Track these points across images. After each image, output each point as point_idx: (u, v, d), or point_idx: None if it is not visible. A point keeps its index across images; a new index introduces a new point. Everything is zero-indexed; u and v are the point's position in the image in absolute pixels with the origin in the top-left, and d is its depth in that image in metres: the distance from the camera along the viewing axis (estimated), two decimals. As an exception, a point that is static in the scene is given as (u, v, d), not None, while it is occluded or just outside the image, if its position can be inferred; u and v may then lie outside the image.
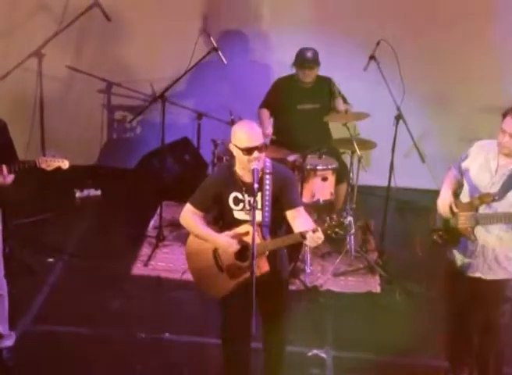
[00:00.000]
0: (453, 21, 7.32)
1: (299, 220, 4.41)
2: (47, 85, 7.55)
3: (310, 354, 5.34)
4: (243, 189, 4.41)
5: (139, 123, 7.63)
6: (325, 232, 4.21)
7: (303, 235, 4.24)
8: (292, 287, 5.96)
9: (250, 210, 4.35)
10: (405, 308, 5.89)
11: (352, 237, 6.33)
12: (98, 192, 7.43)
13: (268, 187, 4.40)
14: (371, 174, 6.55)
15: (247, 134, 4.34)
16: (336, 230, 4.33)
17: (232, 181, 4.45)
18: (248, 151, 4.32)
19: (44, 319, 5.56)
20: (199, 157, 7.33)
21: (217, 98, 7.39)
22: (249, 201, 4.40)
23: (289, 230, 4.50)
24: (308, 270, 6.21)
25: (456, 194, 4.58)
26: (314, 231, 4.19)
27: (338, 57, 7.08)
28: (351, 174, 6.46)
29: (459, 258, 4.58)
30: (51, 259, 6.29)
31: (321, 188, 6.26)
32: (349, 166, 6.46)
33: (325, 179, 6.29)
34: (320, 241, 4.23)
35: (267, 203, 4.39)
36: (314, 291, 6.04)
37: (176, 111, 6.97)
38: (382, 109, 6.48)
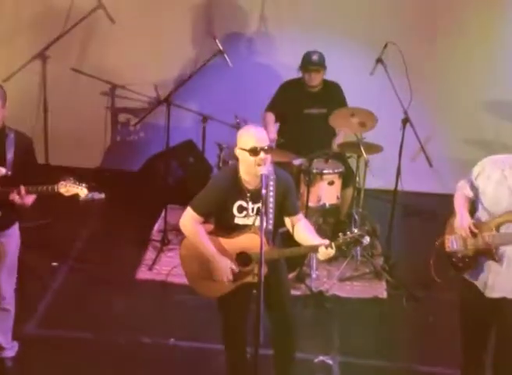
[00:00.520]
0: (461, 24, 7.27)
1: (301, 226, 4.42)
2: (51, 87, 7.50)
3: (316, 360, 5.29)
4: (248, 196, 4.39)
5: (143, 126, 7.57)
6: (338, 248, 4.25)
7: (315, 249, 4.27)
8: (297, 293, 5.96)
9: (253, 216, 4.33)
10: (412, 314, 5.84)
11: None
12: (102, 195, 7.36)
13: (272, 193, 4.37)
14: (376, 178, 6.51)
15: (253, 135, 4.35)
16: (351, 246, 4.32)
17: (236, 189, 4.42)
18: (254, 151, 4.30)
19: (48, 323, 5.53)
20: (203, 160, 7.28)
21: (221, 100, 7.34)
22: (252, 208, 4.39)
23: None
24: (314, 275, 6.16)
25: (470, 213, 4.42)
26: (326, 247, 4.23)
27: (344, 60, 7.02)
28: (357, 178, 6.42)
29: (481, 279, 4.38)
30: (55, 263, 6.24)
31: (327, 192, 6.22)
32: (355, 169, 6.42)
33: (331, 183, 6.25)
34: (331, 255, 4.27)
35: (271, 210, 4.36)
36: (319, 296, 5.98)
37: (180, 114, 6.91)
38: (388, 113, 6.44)
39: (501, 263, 4.31)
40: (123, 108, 7.87)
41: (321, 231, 6.07)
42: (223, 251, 4.48)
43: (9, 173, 4.50)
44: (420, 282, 6.09)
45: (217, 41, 6.49)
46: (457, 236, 4.41)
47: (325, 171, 6.23)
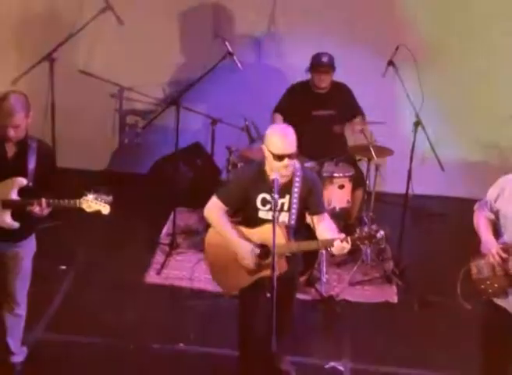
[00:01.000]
0: (473, 27, 7.22)
1: (324, 226, 4.47)
2: (59, 89, 7.46)
3: (327, 366, 5.24)
4: (272, 190, 4.37)
5: (151, 128, 7.50)
6: (353, 242, 4.28)
7: (330, 242, 4.31)
8: (307, 297, 5.92)
9: (277, 211, 4.36)
10: (424, 319, 5.78)
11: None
12: (110, 198, 7.31)
13: (296, 189, 4.46)
14: (386, 181, 6.46)
15: (280, 141, 4.39)
16: (366, 242, 4.31)
17: (261, 182, 4.47)
18: (280, 157, 4.36)
19: (56, 327, 5.48)
20: (211, 162, 7.24)
21: (230, 103, 7.30)
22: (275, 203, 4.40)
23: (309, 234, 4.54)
24: (324, 279, 6.10)
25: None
26: (342, 241, 4.28)
27: (355, 62, 6.96)
28: (367, 181, 6.37)
29: (511, 301, 4.25)
30: (63, 267, 6.20)
31: (337, 196, 6.18)
32: (365, 173, 6.38)
33: (341, 186, 6.21)
34: (346, 251, 4.34)
35: (294, 205, 4.45)
36: (330, 300, 5.94)
37: (188, 116, 6.87)
38: (399, 115, 6.40)
39: None
40: (131, 110, 7.83)
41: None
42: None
43: (30, 184, 4.46)
44: (431, 286, 6.05)
45: (227, 43, 6.45)
46: (485, 262, 4.25)
47: (335, 174, 6.19)
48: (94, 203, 4.49)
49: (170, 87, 7.60)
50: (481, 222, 4.29)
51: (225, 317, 5.39)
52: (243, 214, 4.62)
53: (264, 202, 4.48)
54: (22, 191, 4.47)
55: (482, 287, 4.29)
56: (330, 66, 6.45)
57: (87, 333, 5.41)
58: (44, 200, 4.41)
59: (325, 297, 5.96)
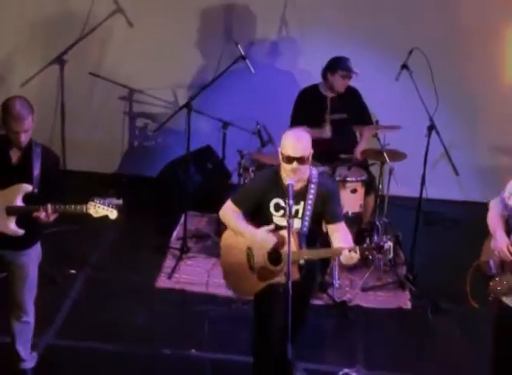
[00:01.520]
0: (488, 29, 7.17)
1: (339, 235, 4.39)
2: (68, 92, 7.44)
3: (341, 373, 5.17)
4: (286, 196, 4.31)
5: (161, 131, 7.46)
6: (362, 252, 4.19)
7: (339, 251, 4.24)
8: (320, 302, 5.86)
9: (290, 217, 4.29)
10: (438, 326, 5.72)
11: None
12: (120, 201, 7.26)
13: (311, 196, 4.39)
14: (399, 185, 6.39)
15: (291, 143, 4.31)
16: (374, 252, 4.24)
17: (275, 187, 4.41)
18: (288, 159, 4.29)
19: (66, 332, 5.44)
20: (222, 166, 7.19)
21: (241, 106, 7.26)
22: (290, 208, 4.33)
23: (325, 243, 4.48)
24: (336, 285, 6.05)
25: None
26: (350, 250, 4.19)
27: (368, 66, 6.89)
28: (380, 185, 6.31)
29: None
30: (73, 271, 6.16)
31: (350, 200, 6.12)
32: (377, 177, 6.32)
33: (354, 191, 6.16)
34: (354, 261, 4.25)
35: (308, 213, 4.38)
36: (342, 306, 5.87)
37: (199, 119, 6.83)
38: (412, 119, 6.34)
39: None
40: (141, 112, 7.80)
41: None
42: None
43: (36, 190, 4.40)
44: (445, 292, 5.98)
45: (239, 46, 6.40)
46: (495, 259, 4.24)
47: (348, 179, 6.13)
48: (101, 208, 4.43)
49: (181, 90, 7.56)
50: (494, 219, 4.30)
51: (238, 323, 5.34)
52: (256, 219, 4.55)
53: (278, 208, 4.42)
54: (27, 198, 4.41)
55: (491, 284, 4.26)
56: (353, 72, 6.39)
57: (98, 338, 5.36)
58: (50, 206, 4.35)
59: (337, 302, 5.90)
